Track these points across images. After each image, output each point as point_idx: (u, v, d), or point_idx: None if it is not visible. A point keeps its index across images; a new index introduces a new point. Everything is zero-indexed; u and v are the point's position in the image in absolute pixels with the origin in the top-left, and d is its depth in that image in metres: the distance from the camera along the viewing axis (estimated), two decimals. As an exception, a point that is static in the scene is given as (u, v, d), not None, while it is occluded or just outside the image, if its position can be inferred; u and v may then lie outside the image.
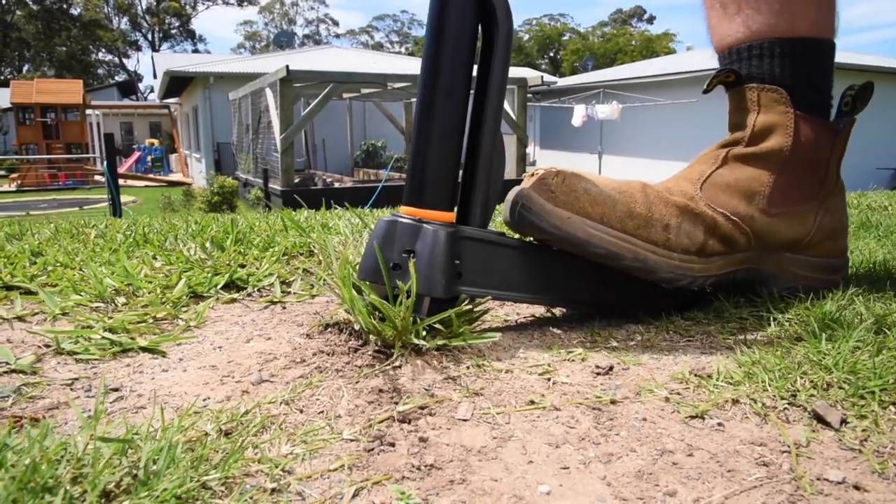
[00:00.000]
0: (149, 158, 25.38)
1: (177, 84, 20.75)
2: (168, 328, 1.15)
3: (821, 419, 0.76)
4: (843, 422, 0.76)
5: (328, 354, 0.96)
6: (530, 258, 1.07)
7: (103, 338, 1.05)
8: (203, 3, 47.32)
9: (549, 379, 0.88)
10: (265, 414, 0.77)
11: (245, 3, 47.98)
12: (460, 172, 1.06)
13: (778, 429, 0.74)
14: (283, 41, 32.93)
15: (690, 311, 1.20)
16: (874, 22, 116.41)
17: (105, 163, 11.27)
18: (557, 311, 1.22)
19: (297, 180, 13.12)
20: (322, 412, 0.78)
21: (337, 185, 13.96)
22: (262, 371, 0.92)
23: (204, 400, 0.84)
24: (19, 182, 18.70)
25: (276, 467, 0.64)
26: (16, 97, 21.51)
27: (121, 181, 12.91)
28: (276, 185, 12.80)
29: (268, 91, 13.14)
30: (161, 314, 1.19)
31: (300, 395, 0.83)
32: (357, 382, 0.86)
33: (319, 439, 0.71)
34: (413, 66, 20.74)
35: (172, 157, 26.47)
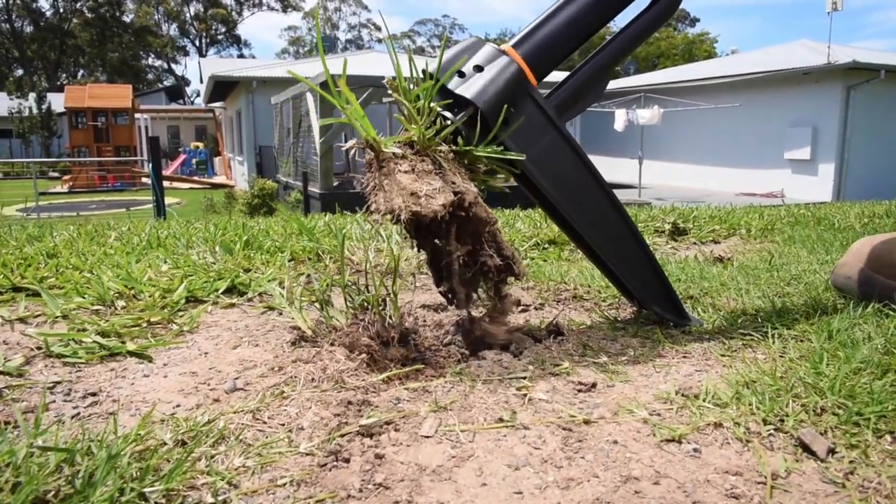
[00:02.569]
0: (194, 161, 25.98)
1: (221, 88, 21.19)
2: (161, 332, 1.16)
3: (806, 448, 0.71)
4: (831, 451, 0.71)
5: (305, 363, 0.95)
6: (574, 160, 1.05)
7: (94, 341, 1.06)
8: (248, 10, 48.34)
9: (525, 395, 0.85)
10: (227, 424, 0.76)
11: (289, 9, 48.81)
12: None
13: (758, 457, 0.70)
14: (326, 46, 33.44)
15: (691, 324, 1.16)
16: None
17: (150, 165, 11.58)
18: (561, 318, 1.18)
19: (335, 183, 13.25)
20: (285, 424, 0.77)
21: (374, 188, 14.03)
22: (238, 379, 0.92)
23: (174, 407, 0.83)
24: (71, 184, 19.38)
25: (223, 480, 0.63)
26: (69, 102, 22.32)
27: (166, 183, 13.22)
28: (315, 188, 12.95)
29: (308, 95, 13.31)
30: (156, 318, 1.20)
31: (268, 405, 0.82)
32: (327, 392, 0.84)
33: (275, 452, 0.70)
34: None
35: (216, 159, 27.04)
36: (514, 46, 1.01)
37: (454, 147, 0.96)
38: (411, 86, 0.96)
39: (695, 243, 2.22)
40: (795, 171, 15.53)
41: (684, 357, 1.02)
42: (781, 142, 15.35)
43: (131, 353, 1.04)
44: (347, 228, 2.25)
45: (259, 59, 35.14)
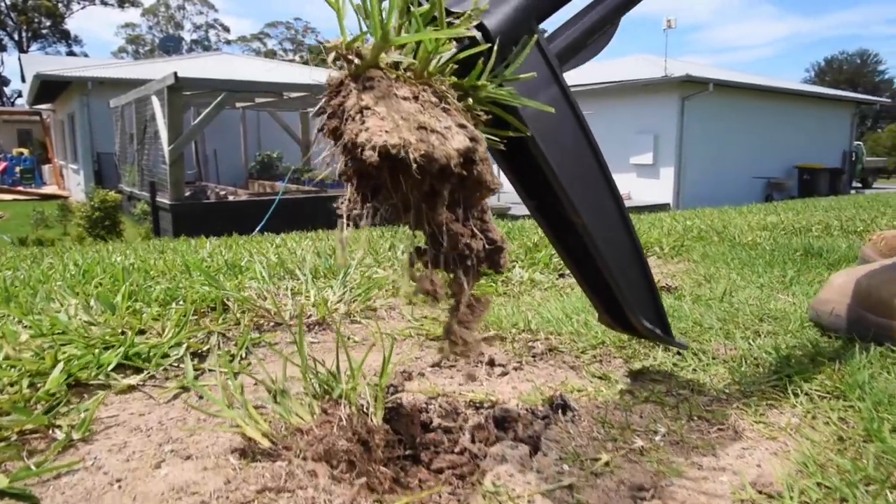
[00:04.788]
0: (17, 169, 23.18)
1: (49, 89, 19.07)
2: (42, 448, 0.83)
3: (955, 569, 0.59)
4: (982, 570, 0.59)
5: (276, 492, 0.70)
6: (574, 124, 0.83)
7: (-62, 478, 0.73)
8: (79, 3, 43.92)
9: (587, 517, 0.67)
10: None
11: (126, 5, 44.99)
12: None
13: (912, 591, 0.56)
14: (170, 46, 31.22)
15: (700, 377, 1.03)
16: (743, 43, 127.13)
17: (-37, 176, 10.09)
18: (556, 383, 1.00)
19: (187, 193, 12.29)
20: None
21: (231, 198, 13.17)
22: (185, 532, 0.64)
23: None
24: None
25: None
26: None
27: (-17, 196, 11.57)
28: (164, 199, 11.91)
29: (154, 99, 12.23)
30: (30, 425, 0.87)
31: (250, 584, 0.56)
32: (332, 552, 0.60)
33: None
34: (309, 75, 20.09)
35: (45, 167, 24.31)
36: None
37: (457, 80, 0.68)
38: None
39: (619, 265, 2.15)
40: (640, 174, 16.75)
41: (720, 430, 0.88)
42: (628, 147, 16.51)
43: (3, 494, 0.72)
44: (247, 259, 1.94)
45: (93, 58, 32.13)
